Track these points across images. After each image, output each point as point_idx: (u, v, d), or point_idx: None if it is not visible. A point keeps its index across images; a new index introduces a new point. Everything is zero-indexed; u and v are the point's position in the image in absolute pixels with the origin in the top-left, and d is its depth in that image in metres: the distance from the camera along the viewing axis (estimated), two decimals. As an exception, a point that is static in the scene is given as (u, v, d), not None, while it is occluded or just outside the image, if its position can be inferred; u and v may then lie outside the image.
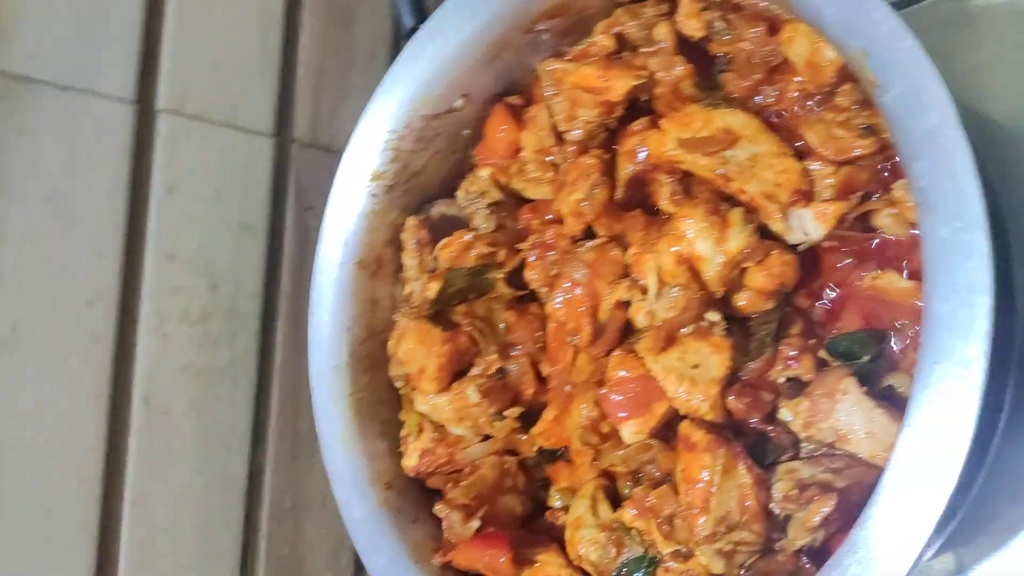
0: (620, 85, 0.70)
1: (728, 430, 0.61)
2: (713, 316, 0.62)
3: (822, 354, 0.61)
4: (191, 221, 0.82)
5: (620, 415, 0.64)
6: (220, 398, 0.84)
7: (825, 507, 0.53)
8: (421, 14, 0.77)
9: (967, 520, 0.58)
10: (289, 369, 0.91)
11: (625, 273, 0.69)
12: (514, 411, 0.74)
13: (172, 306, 0.80)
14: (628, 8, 0.72)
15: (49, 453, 0.70)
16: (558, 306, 0.70)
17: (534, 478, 0.77)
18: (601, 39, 0.72)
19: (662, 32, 0.69)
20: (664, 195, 0.69)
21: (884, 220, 0.60)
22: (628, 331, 0.69)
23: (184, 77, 0.81)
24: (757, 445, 0.61)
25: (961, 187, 0.42)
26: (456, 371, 0.75)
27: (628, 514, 0.64)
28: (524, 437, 0.76)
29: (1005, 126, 0.71)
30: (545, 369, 0.74)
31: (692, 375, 0.62)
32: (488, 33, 0.73)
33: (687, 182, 0.70)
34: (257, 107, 0.88)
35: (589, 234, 0.72)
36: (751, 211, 0.64)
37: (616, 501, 0.69)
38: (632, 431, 0.64)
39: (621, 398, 0.64)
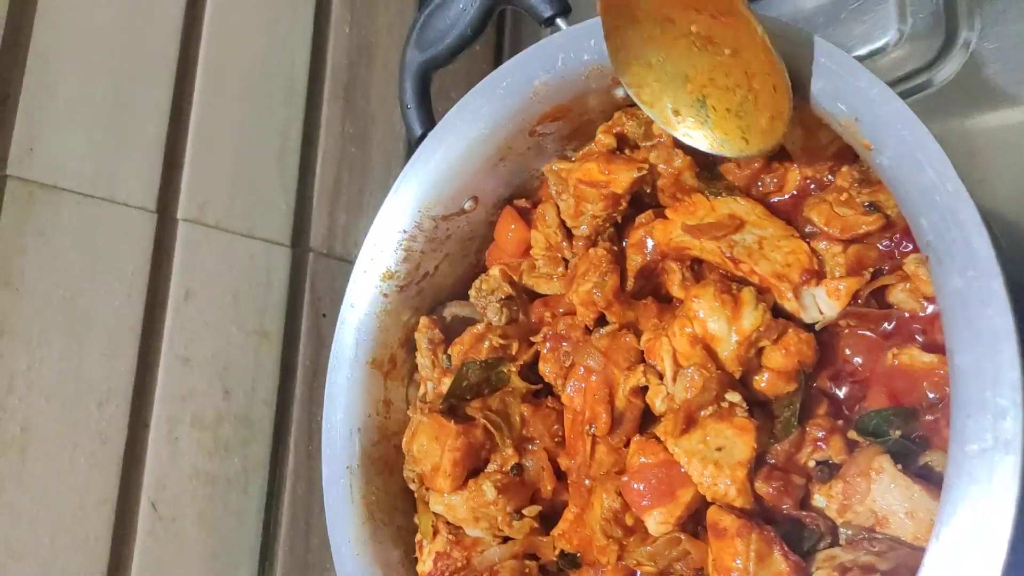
0: (623, 178, 0.71)
1: (760, 518, 0.58)
2: (733, 397, 0.61)
3: (851, 435, 0.59)
4: (207, 326, 0.83)
5: (644, 503, 0.61)
6: (229, 508, 0.82)
7: None
8: (430, 124, 0.80)
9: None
10: (302, 478, 0.89)
11: (640, 359, 0.68)
12: (533, 509, 0.71)
13: (184, 410, 0.79)
14: (627, 110, 0.75)
15: (52, 558, 0.68)
16: (573, 394, 0.68)
17: (555, 582, 0.73)
18: (603, 138, 0.75)
19: (659, 128, 0.71)
20: (675, 281, 0.70)
21: (899, 296, 0.59)
22: (648, 420, 0.68)
23: (204, 188, 0.84)
24: (792, 533, 0.58)
25: (969, 235, 0.42)
26: (472, 468, 0.73)
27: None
28: (544, 539, 0.72)
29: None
30: (563, 463, 0.71)
31: (717, 458, 0.59)
32: (492, 136, 0.76)
33: (698, 269, 0.71)
34: (275, 219, 0.91)
35: (602, 325, 0.72)
36: (763, 291, 0.63)
37: (645, 604, 0.66)
38: (658, 521, 0.61)
39: (643, 486, 0.61)
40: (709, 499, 0.59)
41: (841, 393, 0.62)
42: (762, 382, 0.63)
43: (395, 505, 0.78)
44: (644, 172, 0.71)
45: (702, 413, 0.61)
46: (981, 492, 0.40)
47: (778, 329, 0.61)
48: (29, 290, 0.69)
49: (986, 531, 0.40)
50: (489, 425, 0.71)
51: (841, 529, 0.57)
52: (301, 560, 0.87)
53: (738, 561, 0.54)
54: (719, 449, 0.60)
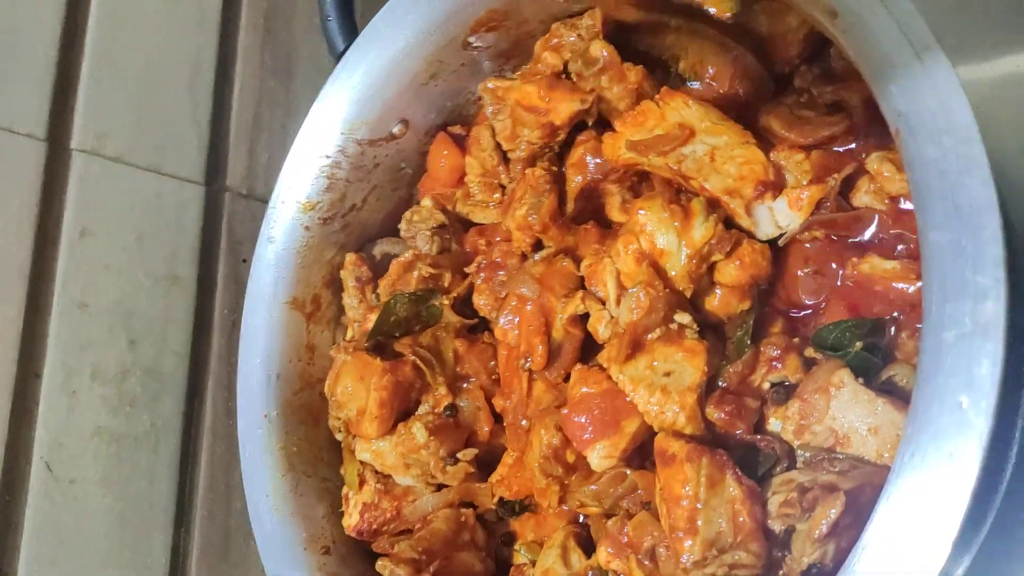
0: (564, 108, 0.66)
1: (711, 444, 0.53)
2: (683, 317, 0.56)
3: (809, 352, 0.55)
4: (108, 269, 0.75)
5: (585, 437, 0.56)
6: (138, 469, 0.74)
7: (832, 509, 0.44)
8: (354, 37, 0.73)
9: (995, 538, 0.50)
10: (221, 437, 0.81)
11: (579, 286, 0.62)
12: (468, 453, 0.65)
13: (83, 361, 0.71)
14: (566, 21, 0.69)
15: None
16: (507, 327, 0.62)
17: (496, 535, 0.68)
18: (548, 56, 0.69)
19: (597, 48, 0.65)
20: (614, 204, 0.64)
21: (864, 198, 0.55)
22: (589, 351, 0.62)
23: (103, 118, 0.76)
24: (746, 459, 0.53)
25: (944, 97, 0.37)
26: (402, 411, 0.67)
27: (604, 553, 0.55)
28: (482, 485, 0.67)
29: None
30: (499, 404, 0.66)
31: (664, 384, 0.54)
32: (421, 48, 0.70)
33: (639, 190, 0.65)
34: (186, 154, 0.83)
35: (539, 251, 0.66)
36: (713, 204, 0.58)
37: (589, 550, 0.60)
38: (601, 456, 0.56)
39: (585, 418, 0.56)
40: (657, 428, 0.54)
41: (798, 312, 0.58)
42: (714, 301, 0.58)
43: (320, 457, 0.72)
44: (588, 105, 0.65)
45: (649, 336, 0.56)
46: (960, 384, 0.35)
47: (731, 240, 0.56)
48: None
49: (964, 429, 0.35)
50: (419, 362, 0.65)
51: (798, 452, 0.53)
52: (222, 526, 0.80)
53: (687, 488, 0.50)
54: (667, 374, 0.55)
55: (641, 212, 0.57)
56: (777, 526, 0.48)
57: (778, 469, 0.52)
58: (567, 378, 0.61)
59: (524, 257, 0.66)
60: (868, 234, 0.52)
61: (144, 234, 0.78)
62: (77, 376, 0.71)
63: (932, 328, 0.37)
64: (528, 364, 0.62)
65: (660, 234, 0.57)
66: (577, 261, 0.63)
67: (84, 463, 0.70)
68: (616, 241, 0.59)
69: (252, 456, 0.68)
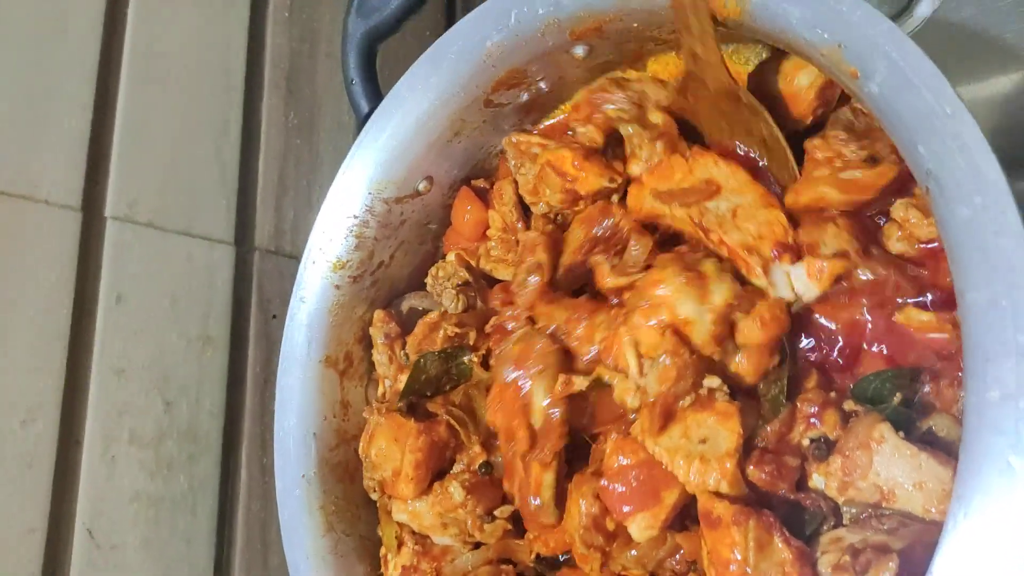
0: (592, 183, 0.65)
1: (755, 504, 0.52)
2: (712, 381, 0.55)
3: (848, 405, 0.54)
4: (142, 333, 0.76)
5: (625, 509, 0.55)
6: (176, 531, 0.75)
7: (886, 572, 0.44)
8: (378, 99, 0.74)
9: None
10: (256, 495, 0.82)
11: (562, 363, 0.61)
12: (505, 509, 0.65)
13: (120, 426, 0.72)
14: (615, 79, 0.68)
15: (-31, 600, 0.60)
16: (492, 413, 0.62)
17: (538, 585, 0.67)
18: (589, 132, 0.68)
19: (657, 116, 0.65)
20: (604, 271, 0.63)
21: (897, 246, 0.55)
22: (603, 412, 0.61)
23: (134, 184, 0.78)
24: (791, 517, 0.52)
25: (974, 158, 0.38)
26: (436, 470, 0.67)
27: None
28: (520, 542, 0.66)
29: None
30: (507, 487, 0.64)
31: (702, 451, 0.53)
32: (444, 108, 0.71)
33: (623, 258, 0.64)
34: (215, 215, 0.84)
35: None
36: (723, 262, 0.58)
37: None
38: (642, 527, 0.55)
39: (624, 489, 0.55)
40: (698, 495, 0.54)
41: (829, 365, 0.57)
42: (742, 361, 0.57)
43: (357, 515, 0.72)
44: (615, 185, 0.65)
45: (680, 404, 0.55)
46: (1008, 444, 0.35)
47: (749, 299, 0.55)
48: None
49: (1015, 489, 0.35)
50: (453, 421, 0.65)
51: (844, 508, 0.52)
52: (260, 583, 0.80)
53: (736, 553, 0.49)
54: (703, 441, 0.54)
55: (659, 285, 0.56)
56: None
57: (825, 527, 0.51)
58: (553, 459, 0.60)
59: (531, 321, 0.66)
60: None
61: (177, 296, 0.79)
62: (116, 442, 0.72)
63: (975, 388, 0.37)
64: (513, 449, 0.61)
65: (681, 303, 0.55)
66: (561, 340, 0.62)
67: (124, 528, 0.71)
68: (631, 316, 0.57)
69: (291, 517, 0.68)
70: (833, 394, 0.55)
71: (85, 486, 0.69)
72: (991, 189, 0.37)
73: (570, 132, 0.69)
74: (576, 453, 0.62)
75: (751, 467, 0.53)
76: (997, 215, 0.37)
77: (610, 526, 0.58)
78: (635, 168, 0.64)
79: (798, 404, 0.55)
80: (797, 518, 0.52)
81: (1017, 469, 0.35)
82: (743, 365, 0.56)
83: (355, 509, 0.72)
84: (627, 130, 0.65)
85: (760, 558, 0.48)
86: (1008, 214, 0.36)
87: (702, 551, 0.52)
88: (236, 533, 0.80)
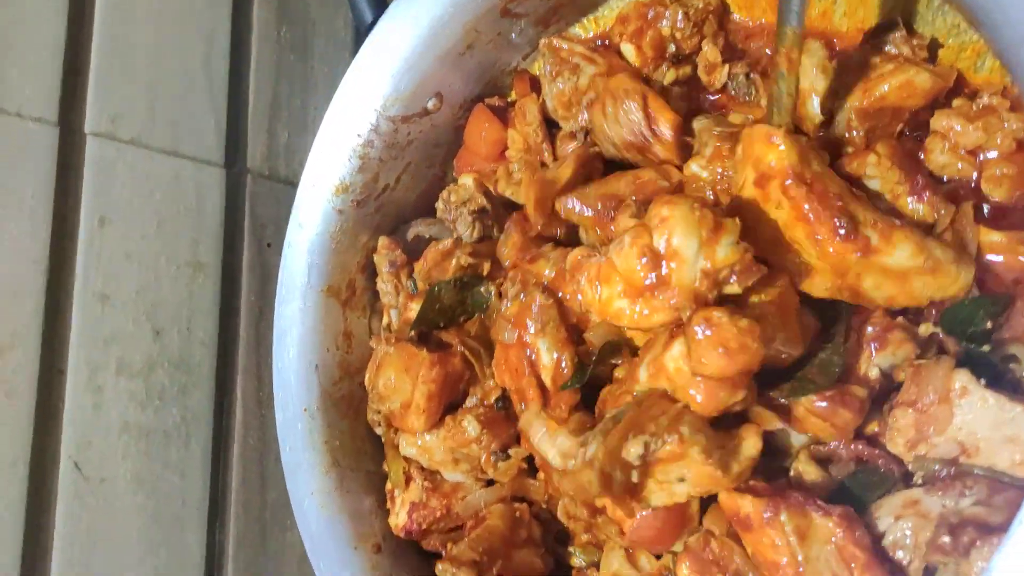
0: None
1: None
2: (684, 429, 0.47)
3: (924, 328, 0.49)
4: (129, 258, 0.71)
5: (657, 547, 0.53)
6: (169, 464, 0.71)
7: (994, 555, 0.39)
8: (382, 6, 0.68)
9: None
10: (253, 429, 0.78)
11: (558, 319, 0.57)
12: (520, 451, 0.61)
13: (107, 355, 0.68)
14: None
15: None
16: (498, 374, 0.59)
17: (550, 531, 0.65)
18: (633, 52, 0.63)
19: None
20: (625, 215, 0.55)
21: (940, 158, 0.51)
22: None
23: (115, 98, 0.72)
24: (857, 479, 0.49)
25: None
26: (449, 403, 0.63)
27: (683, 569, 0.50)
28: (535, 482, 0.63)
29: None
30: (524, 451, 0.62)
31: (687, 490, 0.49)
32: (458, 16, 0.66)
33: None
34: (204, 134, 0.79)
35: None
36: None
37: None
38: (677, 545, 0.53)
39: (651, 535, 0.52)
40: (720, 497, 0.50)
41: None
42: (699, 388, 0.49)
43: (363, 450, 0.69)
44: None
45: (653, 450, 0.47)
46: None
47: (755, 275, 0.47)
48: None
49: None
50: (468, 353, 0.62)
51: (911, 467, 0.48)
52: (257, 518, 0.77)
53: (778, 545, 0.45)
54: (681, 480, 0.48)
55: (666, 208, 0.49)
56: (908, 558, 0.44)
57: (892, 490, 0.47)
58: (574, 407, 0.56)
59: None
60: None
61: (164, 220, 0.74)
62: (102, 371, 0.68)
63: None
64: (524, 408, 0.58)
65: (681, 234, 0.48)
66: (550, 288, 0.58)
67: (114, 461, 0.68)
68: (627, 231, 0.50)
69: (294, 453, 0.65)
70: (899, 318, 0.50)
71: (70, 417, 0.65)
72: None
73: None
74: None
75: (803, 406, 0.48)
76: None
77: (599, 504, 0.55)
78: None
79: (864, 328, 0.49)
80: (864, 480, 0.48)
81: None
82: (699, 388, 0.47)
83: (360, 444, 0.69)
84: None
85: (805, 546, 0.45)
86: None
87: (747, 551, 0.48)
88: (232, 467, 0.77)
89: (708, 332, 0.45)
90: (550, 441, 0.52)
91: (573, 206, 0.57)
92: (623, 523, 0.52)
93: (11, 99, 0.65)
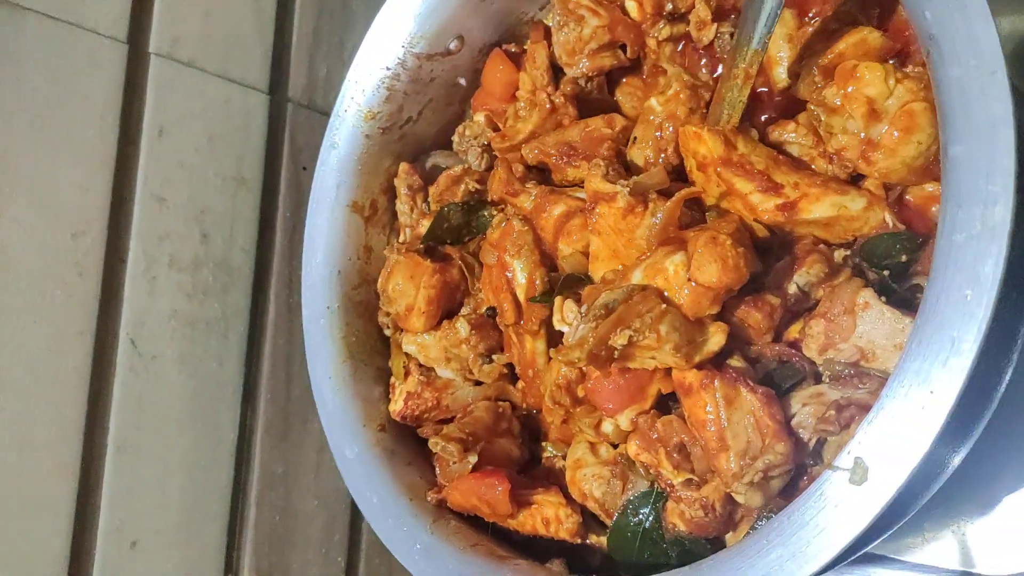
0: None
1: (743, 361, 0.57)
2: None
3: (839, 254, 0.58)
4: (182, 167, 0.80)
5: (610, 407, 0.60)
6: (210, 351, 0.82)
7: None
8: (416, -47, 0.76)
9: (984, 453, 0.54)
10: (282, 330, 0.88)
11: (538, 246, 0.66)
12: (502, 358, 0.71)
13: (161, 250, 0.78)
14: None
15: (29, 386, 0.67)
16: (483, 291, 0.69)
17: (527, 428, 0.74)
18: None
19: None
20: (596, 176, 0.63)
21: None
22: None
23: (176, 22, 0.80)
24: (771, 374, 0.57)
25: (972, 24, 0.41)
26: (446, 309, 0.73)
27: (633, 447, 0.60)
28: (515, 389, 0.72)
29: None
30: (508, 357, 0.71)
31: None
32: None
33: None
34: (252, 62, 0.87)
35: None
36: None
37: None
38: (627, 419, 0.60)
39: (610, 387, 0.59)
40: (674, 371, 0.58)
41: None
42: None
43: (375, 348, 0.78)
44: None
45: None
46: (966, 279, 0.40)
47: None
48: (-6, 108, 0.66)
49: (966, 318, 0.40)
50: (463, 267, 0.71)
51: (821, 368, 0.56)
52: (282, 410, 0.88)
53: (709, 410, 0.54)
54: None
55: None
56: (808, 435, 0.53)
57: (804, 384, 0.56)
58: (541, 326, 0.65)
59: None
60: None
61: (214, 136, 0.83)
62: (156, 263, 0.78)
63: (945, 231, 0.41)
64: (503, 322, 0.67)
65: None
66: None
67: (163, 342, 0.78)
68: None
69: (316, 343, 0.74)
70: (822, 246, 0.58)
71: (129, 299, 0.75)
72: (985, 52, 0.40)
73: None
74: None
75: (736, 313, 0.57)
76: (986, 74, 0.40)
77: (580, 392, 0.64)
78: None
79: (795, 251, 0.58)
80: (778, 375, 0.57)
81: (971, 302, 0.40)
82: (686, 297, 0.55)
83: (372, 343, 0.78)
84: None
85: (731, 411, 0.54)
86: (997, 74, 0.40)
87: (684, 412, 0.57)
88: (263, 361, 0.87)
89: (714, 247, 0.53)
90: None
91: (531, 154, 0.68)
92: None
93: (89, 16, 0.74)
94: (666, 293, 0.55)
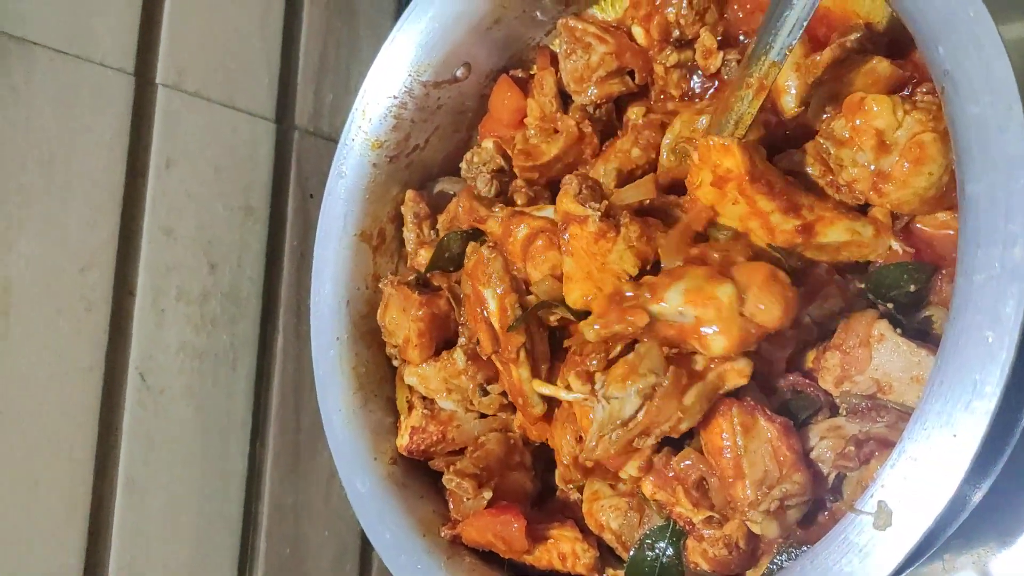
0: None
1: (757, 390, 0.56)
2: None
3: (852, 288, 0.57)
4: (190, 198, 0.80)
5: (615, 462, 0.60)
6: (218, 383, 0.81)
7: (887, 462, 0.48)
8: (422, -19, 0.76)
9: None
10: (291, 359, 0.88)
11: (503, 273, 0.65)
12: (496, 388, 0.70)
13: (169, 282, 0.78)
14: None
15: (38, 423, 0.67)
16: (470, 322, 0.68)
17: (539, 459, 0.73)
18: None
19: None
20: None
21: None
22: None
23: (183, 53, 0.80)
24: (788, 405, 0.57)
25: (989, 60, 0.40)
26: (442, 340, 0.72)
27: (648, 485, 0.59)
28: (516, 418, 0.72)
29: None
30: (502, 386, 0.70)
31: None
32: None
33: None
34: (258, 91, 0.87)
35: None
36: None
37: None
38: (634, 468, 0.60)
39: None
40: None
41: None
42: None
43: (385, 378, 0.78)
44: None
45: None
46: (987, 321, 0.39)
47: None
48: (5, 146, 0.66)
49: (988, 361, 0.39)
50: (450, 297, 0.70)
51: (838, 400, 0.56)
52: (292, 441, 0.87)
53: (726, 438, 0.53)
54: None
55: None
56: (827, 469, 0.52)
57: (820, 416, 0.55)
58: (517, 355, 0.65)
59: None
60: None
61: (221, 166, 0.83)
62: (165, 295, 0.77)
63: (964, 271, 0.41)
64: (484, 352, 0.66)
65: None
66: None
67: (172, 375, 0.77)
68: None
69: (325, 374, 0.74)
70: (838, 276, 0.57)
71: (137, 333, 0.74)
72: (1001, 88, 0.40)
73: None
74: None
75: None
76: (1003, 112, 0.39)
77: (588, 464, 0.63)
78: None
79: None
80: (794, 406, 0.56)
81: (992, 344, 0.39)
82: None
83: (383, 372, 0.78)
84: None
85: (748, 439, 0.53)
86: (1013, 111, 0.39)
87: (702, 442, 0.56)
88: (272, 392, 0.86)
89: (775, 284, 0.52)
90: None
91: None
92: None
93: (96, 49, 0.74)
94: (706, 329, 0.53)
